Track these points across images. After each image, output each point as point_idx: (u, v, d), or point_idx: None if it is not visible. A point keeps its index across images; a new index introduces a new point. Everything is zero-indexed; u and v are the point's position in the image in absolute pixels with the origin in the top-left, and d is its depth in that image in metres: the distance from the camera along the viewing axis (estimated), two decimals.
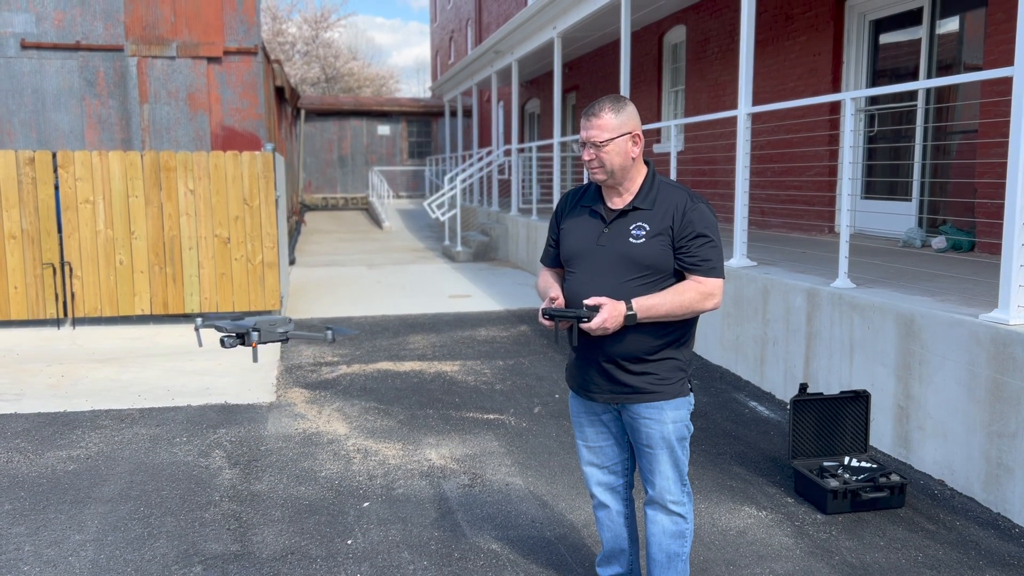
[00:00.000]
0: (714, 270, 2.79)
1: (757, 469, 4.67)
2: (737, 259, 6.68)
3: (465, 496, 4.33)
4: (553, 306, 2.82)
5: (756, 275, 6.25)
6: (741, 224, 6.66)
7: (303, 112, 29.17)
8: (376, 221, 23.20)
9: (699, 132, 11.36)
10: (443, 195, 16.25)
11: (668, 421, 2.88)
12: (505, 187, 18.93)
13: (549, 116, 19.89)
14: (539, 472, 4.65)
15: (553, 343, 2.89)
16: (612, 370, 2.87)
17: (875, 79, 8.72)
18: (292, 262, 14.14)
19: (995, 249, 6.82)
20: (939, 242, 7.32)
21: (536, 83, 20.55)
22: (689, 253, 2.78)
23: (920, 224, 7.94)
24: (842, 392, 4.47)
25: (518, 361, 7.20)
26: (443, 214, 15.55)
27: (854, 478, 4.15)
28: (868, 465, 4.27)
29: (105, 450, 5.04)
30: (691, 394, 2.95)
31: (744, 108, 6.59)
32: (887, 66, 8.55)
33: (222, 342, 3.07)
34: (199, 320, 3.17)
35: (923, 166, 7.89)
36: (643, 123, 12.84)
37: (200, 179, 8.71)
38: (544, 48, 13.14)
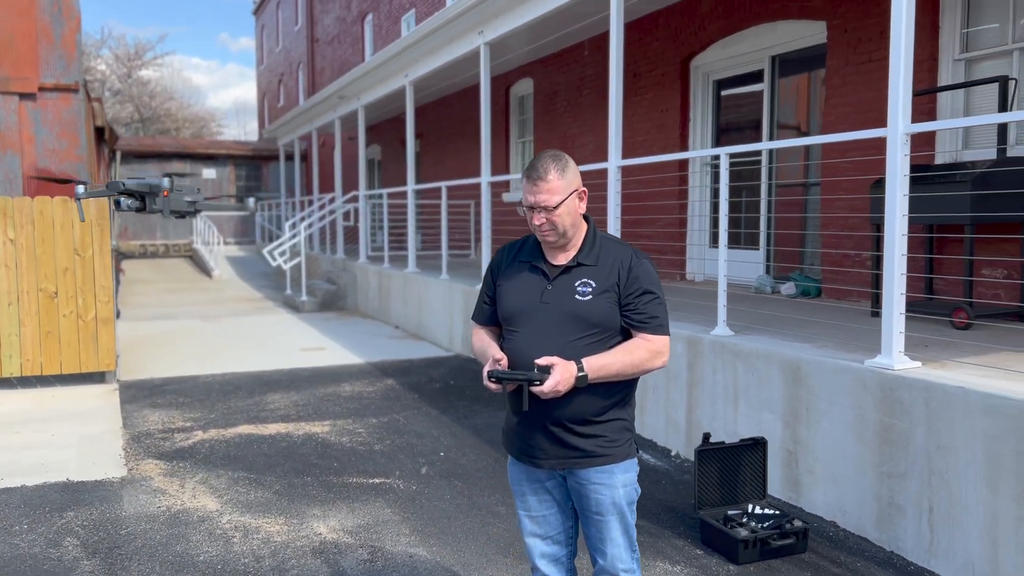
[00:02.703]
0: (661, 327, 2.72)
1: (659, 521, 4.65)
2: None
3: (367, 573, 4.00)
4: (499, 367, 2.64)
5: None
6: None
7: (119, 154, 27.30)
8: (204, 269, 21.93)
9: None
10: (284, 242, 15.59)
11: (619, 485, 2.76)
12: (351, 234, 18.46)
13: (391, 162, 19.70)
14: (442, 539, 4.39)
15: (520, 409, 2.69)
16: (560, 433, 2.73)
17: (719, 135, 9.23)
18: (116, 315, 12.99)
19: (841, 295, 7.30)
20: (788, 288, 7.76)
21: (376, 130, 20.33)
22: (636, 310, 2.70)
23: (768, 271, 8.40)
24: (742, 440, 4.54)
25: (392, 418, 6.88)
26: (285, 262, 14.90)
27: (760, 526, 4.21)
28: (771, 512, 4.35)
29: None
30: (638, 454, 2.86)
31: (615, 161, 6.74)
32: (731, 123, 9.08)
33: (117, 203, 2.64)
34: (80, 189, 2.71)
35: (769, 218, 8.39)
36: (493, 174, 12.95)
37: (23, 227, 7.81)
38: (393, 95, 13.00)
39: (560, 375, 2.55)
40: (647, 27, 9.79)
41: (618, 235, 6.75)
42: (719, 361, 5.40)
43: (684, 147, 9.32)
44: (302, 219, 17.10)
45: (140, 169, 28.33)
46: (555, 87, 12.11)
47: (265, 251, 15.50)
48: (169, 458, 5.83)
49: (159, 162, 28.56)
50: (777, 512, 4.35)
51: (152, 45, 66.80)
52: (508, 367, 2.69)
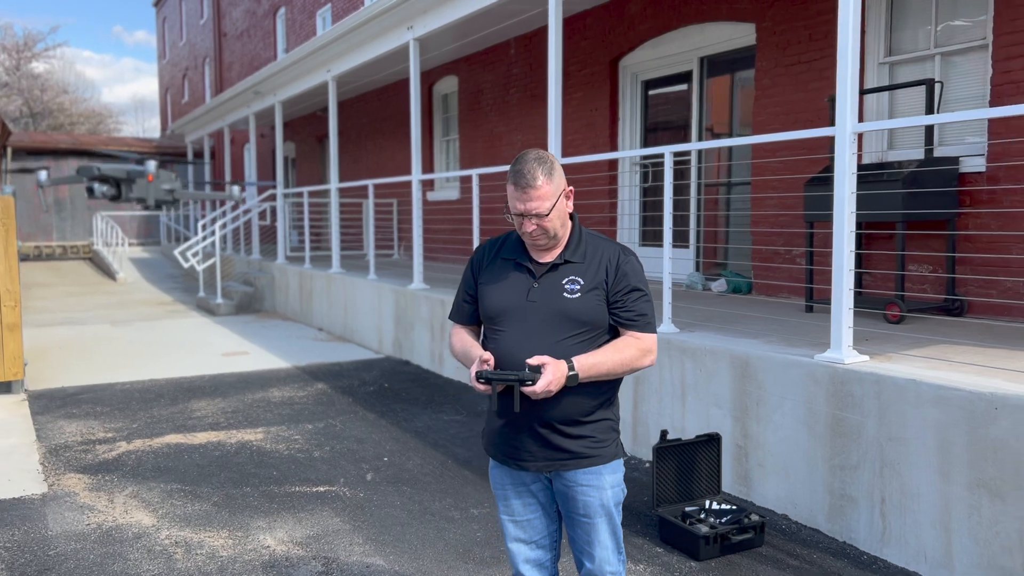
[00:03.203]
0: (650, 325, 2.68)
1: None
2: None
3: None
4: (487, 368, 2.55)
5: None
6: None
7: (9, 151, 25.78)
8: (107, 272, 20.91)
9: (482, 183, 11.43)
10: (196, 242, 14.99)
11: (607, 486, 2.70)
12: (268, 234, 17.91)
13: (306, 160, 19.22)
14: (398, 548, 4.25)
15: (488, 408, 2.61)
16: (548, 435, 2.65)
17: (647, 135, 9.33)
18: None
19: (772, 291, 7.47)
20: (719, 285, 7.90)
21: (291, 127, 19.81)
22: (625, 308, 2.64)
23: (697, 268, 8.53)
24: (697, 436, 4.57)
25: (328, 424, 6.66)
26: (199, 263, 14.32)
27: (719, 521, 4.23)
28: (728, 507, 4.38)
29: None
30: (625, 454, 2.81)
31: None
32: (659, 123, 9.19)
33: (90, 191, 2.41)
34: (43, 175, 2.47)
35: (698, 216, 8.52)
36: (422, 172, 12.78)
37: None
38: (312, 91, 12.67)
39: (552, 375, 2.48)
40: (576, 27, 9.82)
41: None
42: (666, 358, 5.43)
43: (614, 146, 9.38)
44: (214, 219, 16.49)
45: (32, 166, 26.81)
46: (480, 85, 12.03)
47: (176, 252, 14.88)
48: (93, 471, 5.48)
49: (54, 159, 27.10)
50: (734, 507, 4.39)
51: (43, 36, 63.38)
52: (495, 367, 2.60)
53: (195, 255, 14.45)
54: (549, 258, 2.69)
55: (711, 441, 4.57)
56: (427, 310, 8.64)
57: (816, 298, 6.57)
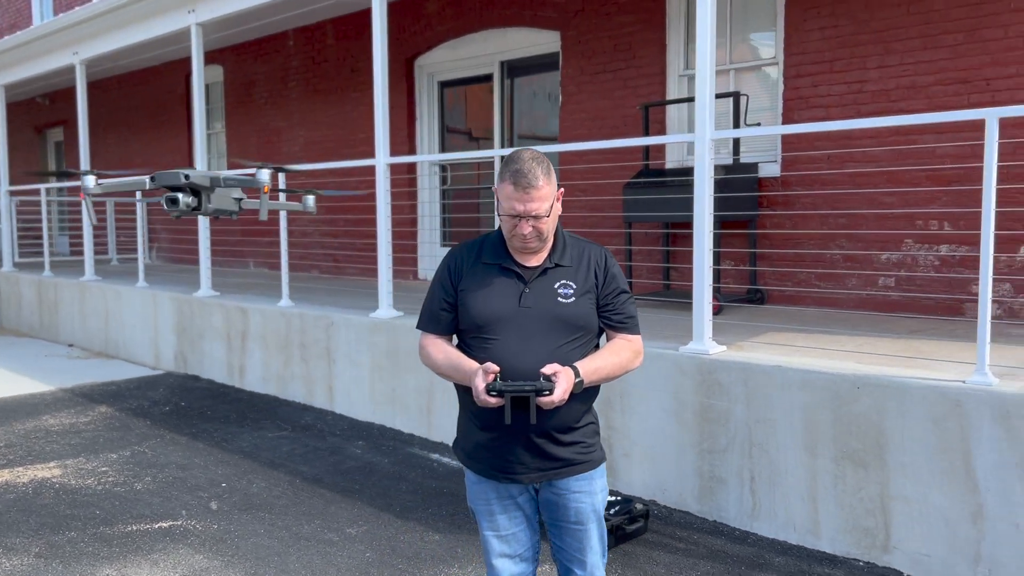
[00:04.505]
0: (638, 326, 2.70)
1: None
2: (384, 310, 6.50)
3: None
4: (499, 380, 2.41)
5: (413, 324, 6.14)
6: (386, 275, 6.51)
7: None
8: None
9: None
10: None
11: (597, 491, 2.68)
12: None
13: (17, 151, 16.82)
14: None
15: (498, 422, 2.47)
16: (544, 444, 2.57)
17: (445, 136, 9.34)
18: None
19: None
20: None
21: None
22: (616, 310, 2.64)
23: None
24: None
25: (135, 451, 5.91)
26: None
27: (610, 513, 4.35)
28: (613, 498, 4.51)
29: None
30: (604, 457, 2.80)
31: (383, 158, 6.48)
32: (459, 123, 9.23)
33: (173, 202, 1.97)
34: (89, 182, 1.99)
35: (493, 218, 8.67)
36: (173, 166, 11.75)
37: None
38: (46, 76, 11.15)
39: (566, 383, 2.41)
40: (368, 22, 9.54)
41: (389, 237, 6.52)
42: None
43: (412, 146, 9.27)
44: None
45: None
46: (252, 77, 11.30)
47: None
48: None
49: None
50: (619, 497, 4.53)
51: None
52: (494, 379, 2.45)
53: None
54: (536, 262, 2.61)
55: None
56: (222, 319, 7.96)
57: (637, 293, 6.97)
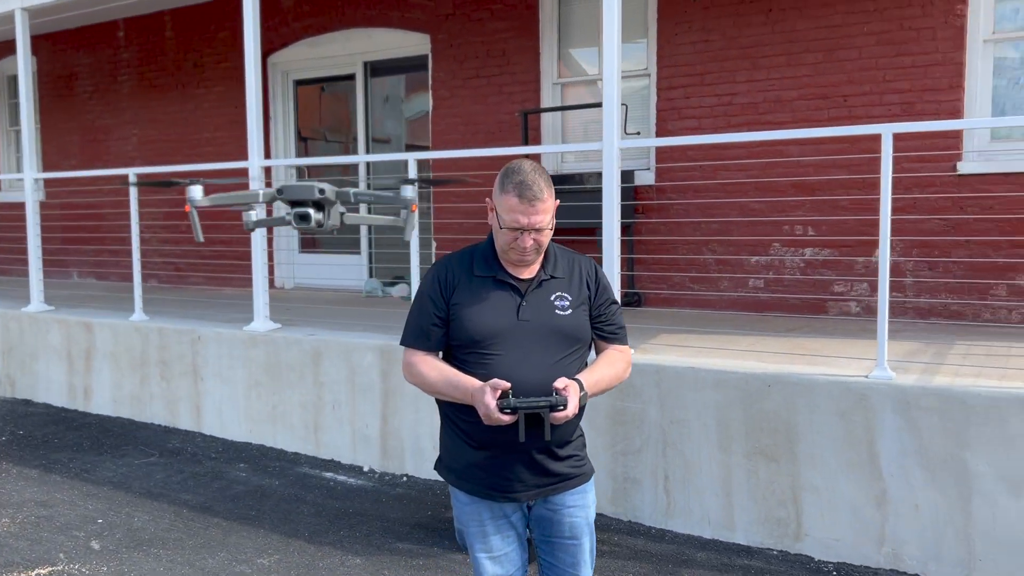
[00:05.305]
0: (627, 336, 2.70)
1: (419, 540, 4.44)
2: (260, 322, 6.12)
3: None
4: (512, 397, 2.32)
5: (298, 337, 5.84)
6: (261, 284, 6.14)
7: None
8: None
9: (78, 186, 9.73)
10: None
11: (590, 504, 2.66)
12: None
13: None
14: None
15: (495, 440, 2.37)
16: (544, 460, 2.52)
17: (301, 136, 8.95)
18: None
19: None
20: (402, 290, 7.94)
21: None
22: (608, 321, 2.63)
23: (371, 275, 8.45)
24: None
25: None
26: None
27: None
28: None
29: None
30: None
31: (257, 160, 6.11)
32: (318, 123, 8.87)
33: (303, 218, 1.73)
34: (196, 192, 1.71)
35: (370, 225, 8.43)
36: None
37: None
38: None
39: (575, 396, 2.36)
40: (213, 14, 8.98)
41: (264, 245, 6.16)
42: None
43: (267, 147, 8.80)
44: None
45: None
46: (73, 69, 10.30)
47: None
48: None
49: None
50: None
51: None
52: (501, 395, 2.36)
53: None
54: (529, 273, 2.54)
55: None
56: (60, 336, 7.18)
57: None
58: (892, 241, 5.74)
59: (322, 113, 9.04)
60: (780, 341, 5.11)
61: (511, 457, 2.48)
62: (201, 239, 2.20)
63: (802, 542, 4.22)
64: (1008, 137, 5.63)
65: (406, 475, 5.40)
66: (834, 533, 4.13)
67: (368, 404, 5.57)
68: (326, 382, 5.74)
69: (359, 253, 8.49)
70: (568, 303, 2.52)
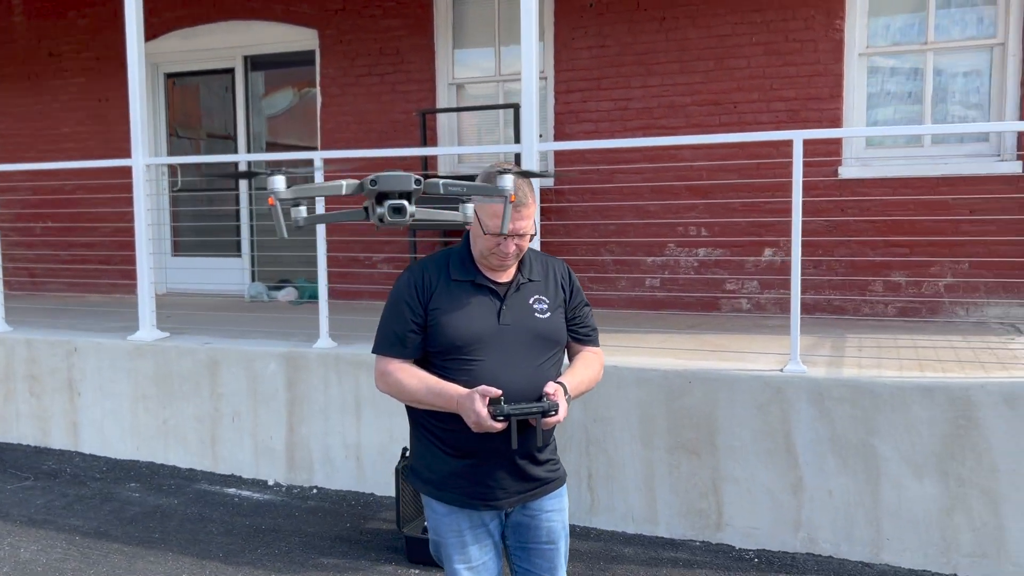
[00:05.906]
0: (598, 337, 2.70)
1: (345, 554, 4.27)
2: (147, 331, 5.71)
3: None
4: (504, 403, 2.27)
5: (191, 347, 5.50)
6: (147, 291, 5.74)
7: None
8: None
9: None
10: None
11: (566, 508, 2.66)
12: None
13: None
14: None
15: (478, 448, 2.30)
16: (525, 466, 2.49)
17: (177, 134, 8.44)
18: None
19: (351, 295, 7.44)
20: (289, 294, 7.64)
21: None
22: (583, 323, 2.63)
23: (253, 278, 8.07)
24: None
25: None
26: None
27: None
28: None
29: None
30: None
31: (141, 159, 5.72)
32: (193, 119, 8.39)
33: (396, 210, 1.59)
34: (279, 183, 1.51)
35: (252, 226, 8.06)
36: None
37: None
38: None
39: (564, 401, 2.35)
40: (68, 1, 8.31)
41: (152, 249, 5.75)
42: (333, 374, 5.14)
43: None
44: None
45: None
46: None
47: None
48: None
49: None
50: None
51: None
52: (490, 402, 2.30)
53: None
54: (506, 277, 2.50)
55: None
56: None
57: None
58: (781, 242, 6.08)
59: (198, 109, 8.57)
60: (686, 338, 5.28)
61: (493, 464, 2.42)
62: (286, 235, 2.00)
63: (723, 532, 4.37)
64: (881, 144, 6.08)
65: (316, 487, 5.20)
66: (753, 521, 4.31)
67: (272, 415, 5.31)
68: (224, 393, 5.43)
69: (239, 256, 8.10)
70: (546, 306, 2.50)
